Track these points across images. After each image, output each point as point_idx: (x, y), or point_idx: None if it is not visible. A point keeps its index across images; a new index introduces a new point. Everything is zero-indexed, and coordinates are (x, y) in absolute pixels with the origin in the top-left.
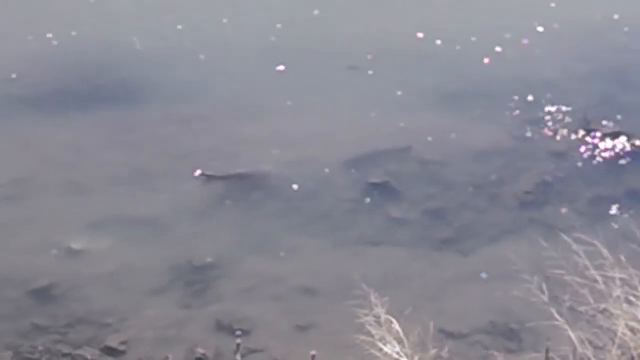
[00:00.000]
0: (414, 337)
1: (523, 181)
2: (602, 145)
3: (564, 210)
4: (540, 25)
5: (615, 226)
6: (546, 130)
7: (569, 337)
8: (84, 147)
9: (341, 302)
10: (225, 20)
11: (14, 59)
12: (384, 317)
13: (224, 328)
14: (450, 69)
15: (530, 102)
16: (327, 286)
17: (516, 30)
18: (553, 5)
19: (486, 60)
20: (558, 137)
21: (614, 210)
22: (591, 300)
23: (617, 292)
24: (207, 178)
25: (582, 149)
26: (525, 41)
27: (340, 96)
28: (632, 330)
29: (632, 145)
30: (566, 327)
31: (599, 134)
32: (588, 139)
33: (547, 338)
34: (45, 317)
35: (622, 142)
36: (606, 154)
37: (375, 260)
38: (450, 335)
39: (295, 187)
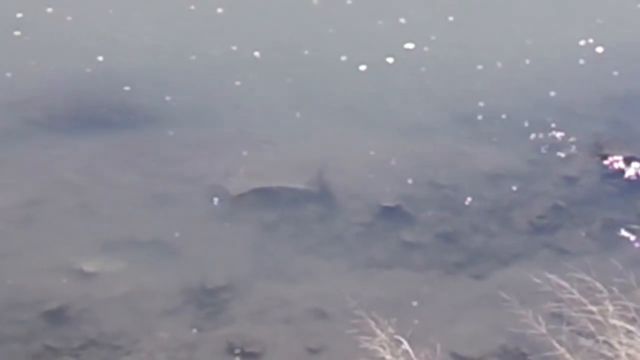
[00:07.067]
0: (425, 359)
1: (535, 205)
2: (615, 170)
3: (577, 235)
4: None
5: (628, 250)
6: (559, 154)
7: None
8: (96, 170)
9: (352, 325)
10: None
11: (27, 82)
12: (394, 339)
13: (235, 351)
14: (463, 90)
15: (543, 126)
16: (339, 309)
17: (527, 53)
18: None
19: (499, 82)
20: (571, 161)
21: (626, 234)
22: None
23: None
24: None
25: (595, 173)
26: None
27: (352, 118)
28: None
29: None
30: (568, 354)
31: (611, 159)
32: (601, 163)
33: None
34: (58, 338)
35: (635, 167)
36: (619, 179)
37: (387, 284)
38: (462, 359)
39: (307, 209)
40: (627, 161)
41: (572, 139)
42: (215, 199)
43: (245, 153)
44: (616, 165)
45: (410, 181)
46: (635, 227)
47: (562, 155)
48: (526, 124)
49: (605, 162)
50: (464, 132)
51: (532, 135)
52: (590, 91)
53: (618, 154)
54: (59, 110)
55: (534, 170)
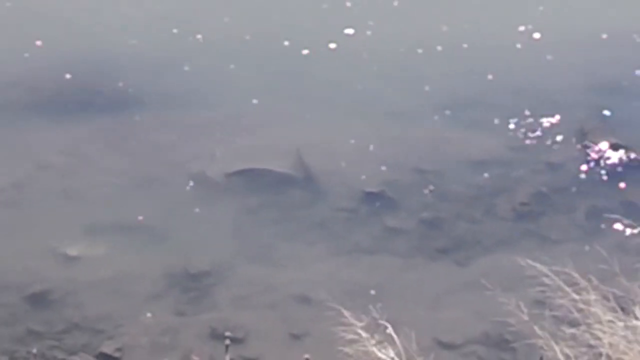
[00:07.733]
0: (408, 345)
1: (519, 192)
2: (599, 157)
3: (560, 222)
4: (534, 34)
5: (611, 238)
6: (542, 141)
7: (561, 348)
8: (81, 153)
9: (336, 310)
10: (222, 27)
11: (11, 64)
12: (378, 324)
13: (219, 335)
14: (446, 77)
15: (526, 113)
16: (322, 294)
17: (510, 39)
18: (541, 8)
19: (482, 69)
20: (555, 148)
21: (610, 222)
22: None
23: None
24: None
25: (579, 160)
26: (520, 48)
27: (336, 105)
28: None
29: (629, 157)
30: (551, 342)
31: (596, 146)
32: (585, 150)
33: (541, 347)
34: (41, 322)
35: (619, 154)
36: (603, 166)
37: (370, 269)
38: (444, 345)
39: (291, 194)
40: (612, 148)
41: (556, 126)
42: (195, 183)
43: (228, 138)
44: (600, 152)
45: (393, 167)
46: (618, 214)
47: (546, 142)
48: (509, 111)
49: (589, 149)
50: (447, 117)
51: (514, 122)
52: (574, 77)
53: (602, 141)
54: (43, 94)
55: (517, 157)
